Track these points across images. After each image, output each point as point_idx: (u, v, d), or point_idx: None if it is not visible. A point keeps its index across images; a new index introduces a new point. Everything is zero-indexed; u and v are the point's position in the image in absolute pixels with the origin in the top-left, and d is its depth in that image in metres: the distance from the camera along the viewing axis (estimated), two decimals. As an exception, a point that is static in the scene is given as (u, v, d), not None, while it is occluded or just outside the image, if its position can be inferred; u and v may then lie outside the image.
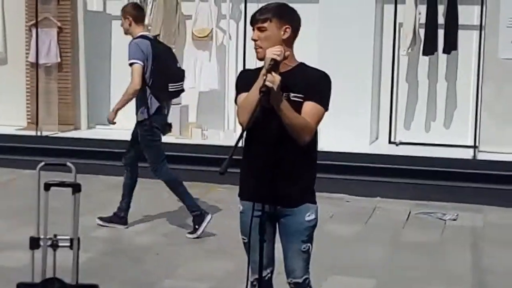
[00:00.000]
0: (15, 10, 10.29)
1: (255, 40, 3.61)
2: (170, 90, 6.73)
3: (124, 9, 6.92)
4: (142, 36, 6.72)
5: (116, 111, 6.70)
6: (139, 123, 6.74)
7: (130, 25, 6.77)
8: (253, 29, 3.63)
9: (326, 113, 3.64)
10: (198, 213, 6.71)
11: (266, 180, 3.54)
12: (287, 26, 3.60)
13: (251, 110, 3.37)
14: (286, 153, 3.57)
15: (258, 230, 3.52)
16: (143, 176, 6.99)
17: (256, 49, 3.61)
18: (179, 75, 6.89)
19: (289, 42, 3.62)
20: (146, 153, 6.78)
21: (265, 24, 3.57)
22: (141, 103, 6.66)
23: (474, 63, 9.06)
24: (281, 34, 3.58)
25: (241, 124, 3.53)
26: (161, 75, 6.65)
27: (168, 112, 6.93)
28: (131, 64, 6.59)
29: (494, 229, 7.28)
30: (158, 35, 7.29)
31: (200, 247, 6.45)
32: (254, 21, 3.62)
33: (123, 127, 7.64)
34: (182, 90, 6.95)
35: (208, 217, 6.70)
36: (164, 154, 6.84)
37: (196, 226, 6.67)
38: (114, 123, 6.74)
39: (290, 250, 3.69)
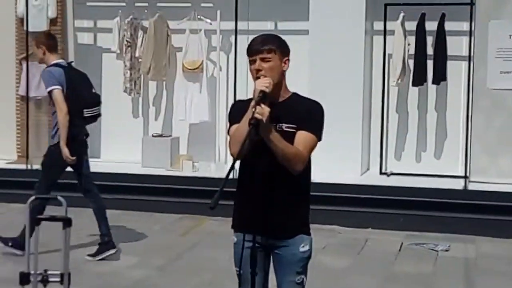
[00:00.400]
0: (5, 43, 10.29)
1: (258, 70, 3.55)
2: (85, 116, 6.79)
3: (37, 39, 7.01)
4: (55, 64, 6.79)
5: (66, 147, 6.62)
6: (51, 146, 6.76)
7: (44, 54, 6.86)
8: (252, 60, 3.56)
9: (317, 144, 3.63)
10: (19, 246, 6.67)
11: (259, 212, 3.53)
12: (287, 58, 3.63)
13: (242, 141, 3.34)
14: (279, 184, 3.56)
15: (250, 261, 3.49)
16: (129, 208, 6.94)
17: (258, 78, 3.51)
18: (94, 100, 6.95)
19: (285, 74, 3.64)
20: (42, 173, 6.83)
21: (270, 55, 3.55)
22: (57, 128, 6.69)
23: (464, 94, 9.09)
24: (282, 65, 3.60)
25: (232, 155, 3.51)
26: (76, 101, 6.69)
27: (83, 137, 6.90)
28: (50, 92, 6.65)
29: (486, 259, 7.25)
30: (72, 61, 7.38)
31: (191, 279, 6.40)
32: (257, 51, 3.56)
33: (114, 159, 7.62)
34: (99, 115, 7.01)
35: (19, 253, 6.61)
36: (54, 185, 6.78)
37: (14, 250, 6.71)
38: (73, 159, 6.66)
39: (284, 281, 3.67)
